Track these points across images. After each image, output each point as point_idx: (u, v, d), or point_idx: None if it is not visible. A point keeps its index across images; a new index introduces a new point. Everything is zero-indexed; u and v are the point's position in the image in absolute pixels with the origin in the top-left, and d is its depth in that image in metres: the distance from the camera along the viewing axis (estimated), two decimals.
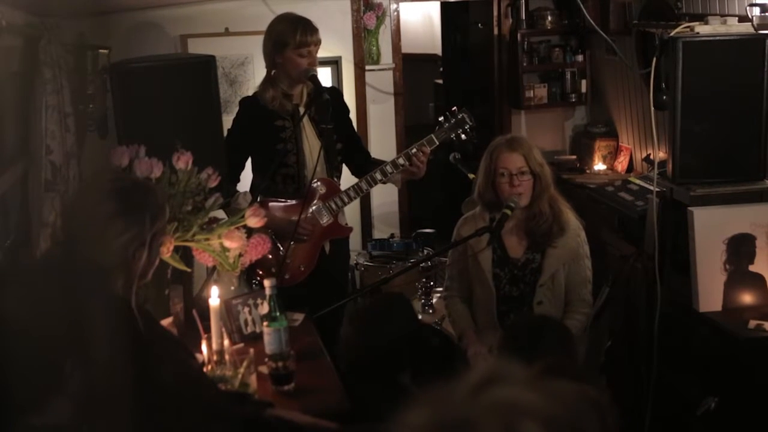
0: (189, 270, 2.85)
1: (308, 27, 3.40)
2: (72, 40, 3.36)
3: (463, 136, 3.52)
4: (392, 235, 4.83)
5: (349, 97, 5.00)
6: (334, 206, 3.47)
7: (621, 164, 5.12)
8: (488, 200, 3.21)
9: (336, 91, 3.80)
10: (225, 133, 3.43)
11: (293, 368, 2.50)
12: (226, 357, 2.53)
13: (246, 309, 2.91)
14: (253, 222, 2.78)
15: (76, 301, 1.51)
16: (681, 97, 3.10)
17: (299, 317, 3.07)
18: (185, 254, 2.75)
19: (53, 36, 2.76)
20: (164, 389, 1.80)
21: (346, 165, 3.66)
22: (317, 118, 3.49)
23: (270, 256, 3.28)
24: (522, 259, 3.21)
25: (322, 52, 3.63)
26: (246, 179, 3.62)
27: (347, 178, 3.64)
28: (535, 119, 5.63)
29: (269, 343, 2.56)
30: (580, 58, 5.44)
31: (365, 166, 3.57)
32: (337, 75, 5.04)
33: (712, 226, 3.05)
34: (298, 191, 3.47)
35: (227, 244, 2.71)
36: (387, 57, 5.16)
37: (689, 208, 3.08)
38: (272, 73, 3.49)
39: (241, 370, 2.45)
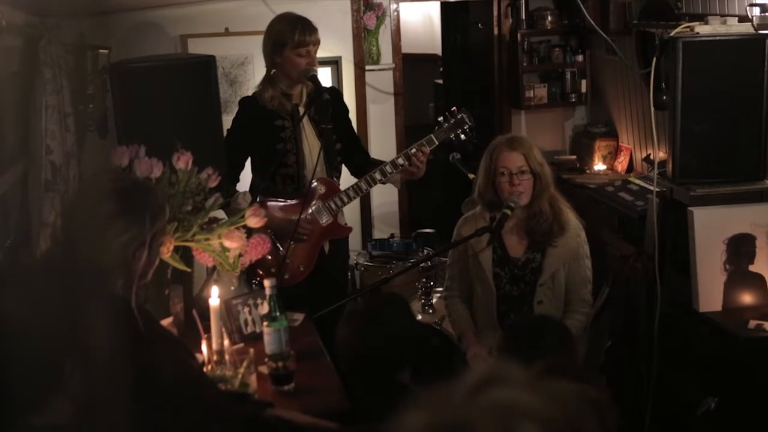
0: (189, 270, 2.85)
1: (307, 27, 3.40)
2: (72, 40, 3.36)
3: (462, 136, 3.52)
4: (392, 235, 4.82)
5: (349, 97, 5.00)
6: (333, 206, 3.47)
7: (621, 164, 5.12)
8: (488, 200, 3.21)
9: (336, 91, 3.80)
10: (225, 133, 3.43)
11: (293, 368, 2.50)
12: (226, 357, 2.53)
13: (246, 309, 2.91)
14: (253, 222, 2.78)
15: (76, 301, 1.51)
16: (681, 97, 3.10)
17: (299, 317, 3.07)
18: (185, 254, 2.75)
19: (53, 36, 2.76)
20: (164, 389, 1.80)
21: (346, 165, 3.66)
22: (317, 118, 3.49)
23: (270, 257, 3.28)
24: (522, 258, 3.21)
25: (322, 52, 3.63)
26: (246, 179, 3.62)
27: (347, 178, 3.64)
28: (535, 119, 5.63)
29: (269, 343, 2.56)
30: (580, 58, 5.44)
31: (365, 166, 3.57)
32: (337, 75, 5.04)
33: (712, 226, 3.05)
34: (298, 191, 3.47)
35: (227, 244, 2.71)
36: (387, 57, 5.16)
37: (689, 208, 3.08)
38: (272, 72, 3.49)
39: (241, 370, 2.45)
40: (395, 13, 5.16)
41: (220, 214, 2.96)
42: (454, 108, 3.56)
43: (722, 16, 3.38)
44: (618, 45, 4.14)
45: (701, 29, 3.14)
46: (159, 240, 1.96)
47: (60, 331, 1.43)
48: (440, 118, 3.56)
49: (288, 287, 3.27)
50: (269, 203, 3.40)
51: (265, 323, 2.59)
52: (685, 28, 3.19)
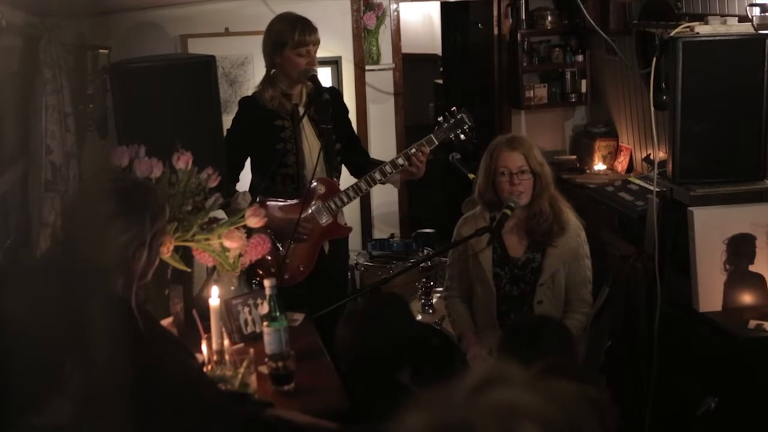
0: (189, 270, 2.85)
1: (307, 26, 3.40)
2: (72, 40, 3.36)
3: (462, 136, 3.52)
4: (392, 235, 4.82)
5: (349, 97, 5.00)
6: (333, 206, 3.47)
7: (621, 164, 5.12)
8: (488, 200, 3.21)
9: (335, 92, 3.80)
10: (225, 133, 3.43)
11: (293, 368, 2.50)
12: (226, 357, 2.53)
13: (246, 309, 2.91)
14: (253, 222, 2.78)
15: (76, 301, 1.51)
16: (681, 97, 3.10)
17: (299, 317, 3.07)
18: (185, 254, 2.75)
19: (53, 36, 2.76)
20: (164, 389, 1.80)
21: (345, 166, 3.66)
22: (317, 118, 3.49)
23: (269, 257, 3.28)
24: (522, 258, 3.21)
25: (322, 52, 3.63)
26: (245, 179, 3.62)
27: (346, 178, 3.64)
28: (535, 119, 5.63)
29: (269, 343, 2.56)
30: (580, 58, 5.44)
31: (364, 166, 3.57)
32: (337, 75, 5.04)
33: (712, 226, 3.05)
34: (298, 191, 3.47)
35: (227, 244, 2.71)
36: (387, 57, 5.16)
37: (689, 208, 3.08)
38: (271, 72, 3.49)
39: (241, 370, 2.45)
40: (395, 13, 5.16)
41: (220, 214, 2.96)
42: (454, 108, 3.56)
43: (722, 16, 3.38)
44: (618, 45, 4.14)
45: (701, 29, 3.14)
46: (159, 240, 1.96)
47: (60, 331, 1.43)
48: (440, 118, 3.56)
49: (288, 287, 3.27)
50: (269, 203, 3.40)
51: (265, 323, 2.59)
52: (685, 28, 3.19)
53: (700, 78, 3.09)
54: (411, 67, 6.08)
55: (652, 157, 4.26)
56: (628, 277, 3.68)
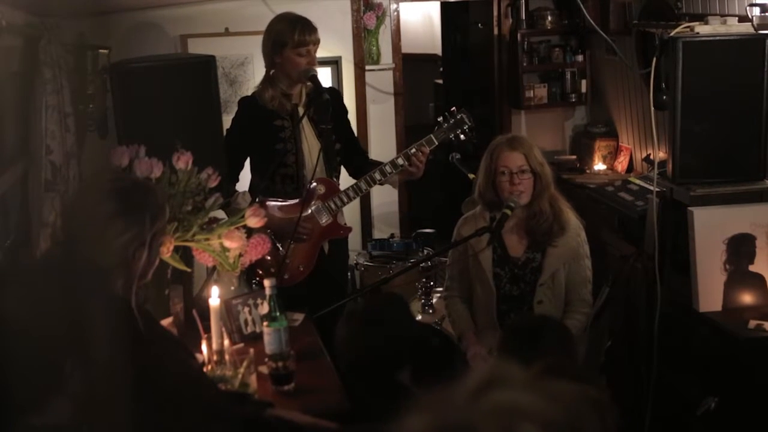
0: (189, 270, 2.85)
1: (307, 26, 3.40)
2: (72, 40, 3.36)
3: (462, 136, 3.52)
4: (392, 235, 4.82)
5: (349, 97, 5.00)
6: (333, 206, 3.47)
7: (621, 164, 5.12)
8: (489, 199, 3.21)
9: (335, 92, 3.80)
10: (225, 133, 3.43)
11: (293, 368, 2.50)
12: (226, 357, 2.53)
13: (246, 309, 2.91)
14: (253, 222, 2.78)
15: (76, 301, 1.51)
16: (681, 97, 3.10)
17: (299, 317, 3.07)
18: (185, 254, 2.75)
19: (53, 36, 2.76)
20: (164, 389, 1.80)
21: (344, 167, 3.65)
22: (316, 119, 3.49)
23: (269, 257, 3.28)
24: (522, 258, 3.21)
25: (322, 52, 3.63)
26: (245, 179, 3.62)
27: (346, 178, 3.64)
28: (535, 119, 5.63)
29: (269, 343, 2.56)
30: (580, 58, 5.44)
31: (363, 167, 3.57)
32: (337, 75, 5.04)
33: (712, 226, 3.05)
34: (297, 191, 3.47)
35: (227, 244, 2.71)
36: (387, 57, 5.16)
37: (689, 208, 3.08)
38: (271, 72, 3.49)
39: (241, 370, 2.45)
40: (395, 13, 5.16)
41: (220, 214, 2.96)
42: (454, 108, 3.56)
43: (722, 16, 3.38)
44: (618, 45, 4.14)
45: (701, 29, 3.14)
46: (159, 240, 1.96)
47: (60, 331, 1.43)
48: (440, 118, 3.55)
49: (288, 287, 3.27)
50: (269, 203, 3.39)
51: (265, 323, 2.59)
52: (685, 28, 3.19)
53: (700, 78, 3.09)
54: (411, 67, 6.08)
55: (652, 157, 4.26)
56: (628, 277, 3.68)
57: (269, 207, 3.37)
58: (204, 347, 2.56)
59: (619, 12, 4.61)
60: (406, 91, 5.38)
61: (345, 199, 3.47)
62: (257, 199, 3.30)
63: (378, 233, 5.16)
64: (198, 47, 4.63)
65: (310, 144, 3.49)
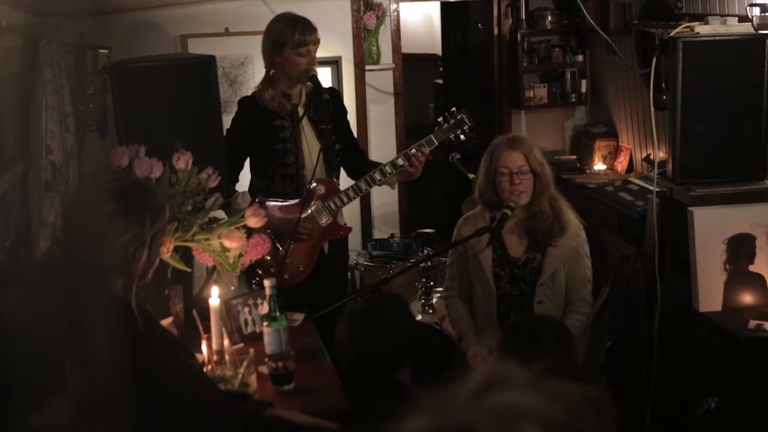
0: (189, 270, 2.85)
1: (307, 26, 3.40)
2: (72, 40, 3.36)
3: (462, 136, 3.52)
4: (392, 235, 4.82)
5: (349, 97, 5.00)
6: (333, 206, 3.46)
7: (621, 164, 5.12)
8: (489, 199, 3.21)
9: (335, 92, 3.79)
10: (224, 133, 3.43)
11: (293, 368, 2.50)
12: (226, 357, 2.53)
13: (246, 309, 2.91)
14: (253, 222, 2.78)
15: (76, 301, 1.51)
16: (681, 97, 3.10)
17: (299, 317, 3.07)
18: (185, 254, 2.75)
19: (53, 36, 2.77)
20: (164, 389, 1.80)
21: (343, 167, 3.65)
22: (316, 119, 3.48)
23: (269, 257, 3.28)
24: (522, 258, 3.21)
25: (322, 52, 3.62)
26: (245, 179, 3.62)
27: (346, 178, 3.64)
28: (535, 119, 5.63)
29: (269, 343, 2.56)
30: (580, 58, 5.44)
31: (362, 168, 3.57)
32: (337, 75, 5.04)
33: (712, 226, 3.05)
34: (297, 191, 3.47)
35: (227, 244, 2.71)
36: (387, 57, 5.16)
37: (689, 208, 3.08)
38: (271, 73, 3.48)
39: (241, 370, 2.45)
40: (395, 13, 5.16)
41: (220, 214, 2.96)
42: (454, 108, 3.56)
43: (722, 16, 3.38)
44: (618, 45, 4.14)
45: (701, 29, 3.14)
46: (159, 240, 1.96)
47: (60, 331, 1.43)
48: (440, 119, 3.55)
49: (288, 287, 3.27)
50: (269, 203, 3.39)
51: (265, 323, 2.59)
52: (685, 28, 3.19)
53: (700, 78, 3.09)
54: (411, 67, 6.07)
55: (652, 157, 4.26)
56: (628, 277, 3.68)
57: (269, 207, 3.36)
58: (204, 347, 2.56)
59: (619, 12, 4.61)
60: (406, 91, 5.38)
61: (345, 200, 3.47)
62: (257, 199, 3.30)
63: (378, 233, 5.16)
64: (198, 47, 4.63)
65: (310, 144, 3.49)
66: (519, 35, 5.37)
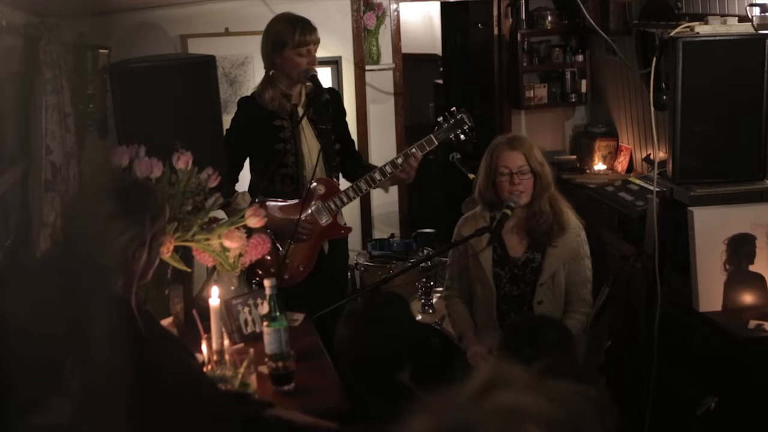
0: (189, 270, 2.85)
1: (307, 26, 3.40)
2: (72, 40, 3.36)
3: (462, 136, 3.52)
4: (392, 235, 4.82)
5: (349, 97, 5.00)
6: (333, 206, 3.46)
7: (621, 164, 5.12)
8: (488, 199, 3.21)
9: (335, 93, 3.79)
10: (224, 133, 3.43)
11: (293, 368, 2.50)
12: (226, 357, 2.53)
13: (246, 309, 2.91)
14: (253, 222, 2.78)
15: (76, 301, 1.51)
16: (681, 97, 3.10)
17: (299, 317, 3.07)
18: (185, 254, 2.75)
19: (53, 36, 2.76)
20: (164, 389, 1.80)
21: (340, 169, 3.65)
22: (316, 119, 3.48)
23: (269, 257, 3.28)
24: (522, 258, 3.21)
25: (322, 52, 3.62)
26: (245, 179, 3.61)
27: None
28: (535, 119, 5.63)
29: (269, 343, 2.56)
30: (580, 58, 5.44)
31: (357, 170, 3.58)
32: (337, 75, 5.04)
33: (712, 226, 3.05)
34: (297, 191, 3.47)
35: (227, 244, 2.71)
36: (387, 57, 5.16)
37: (689, 208, 3.08)
38: (270, 73, 3.48)
39: (241, 370, 2.45)
40: (395, 13, 5.16)
41: (220, 214, 2.96)
42: (454, 108, 3.56)
43: (722, 16, 3.38)
44: (618, 45, 4.14)
45: (701, 29, 3.14)
46: (159, 240, 1.96)
47: (60, 331, 1.43)
48: (440, 118, 3.55)
49: (288, 287, 3.27)
50: (268, 203, 3.39)
51: (265, 323, 2.59)
52: (685, 28, 3.19)
53: (700, 78, 3.09)
54: (411, 67, 6.07)
55: (652, 157, 4.26)
56: (628, 277, 3.68)
57: (269, 207, 3.36)
58: (204, 347, 2.56)
59: (619, 12, 4.61)
60: (406, 91, 5.38)
61: (345, 199, 3.47)
62: (257, 200, 3.30)
63: (378, 233, 5.15)
64: (198, 47, 4.63)
65: (310, 144, 3.49)
66: (519, 35, 5.37)
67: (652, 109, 3.33)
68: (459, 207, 3.78)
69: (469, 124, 3.52)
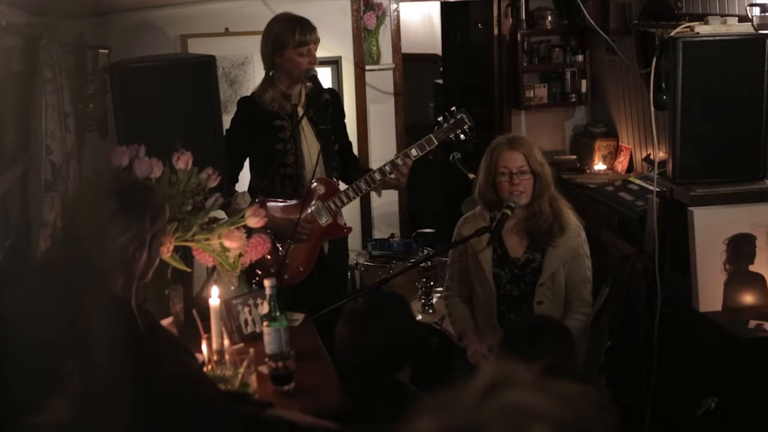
0: (189, 270, 2.85)
1: (306, 26, 3.40)
2: (72, 40, 3.36)
3: (462, 136, 3.52)
4: (392, 235, 4.82)
5: (349, 97, 5.00)
6: (333, 206, 3.46)
7: (621, 164, 5.12)
8: (488, 199, 3.21)
9: (334, 94, 3.79)
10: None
11: (293, 368, 2.50)
12: (226, 357, 2.53)
13: (246, 309, 2.91)
14: (253, 222, 2.78)
15: (76, 301, 1.51)
16: (681, 97, 3.10)
17: (299, 317, 3.07)
18: (185, 254, 2.75)
19: (53, 36, 2.76)
20: (164, 389, 1.80)
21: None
22: (315, 119, 3.48)
23: (269, 256, 3.28)
24: (522, 258, 3.21)
25: (322, 52, 3.62)
26: (245, 179, 3.61)
27: None
28: (535, 119, 5.62)
29: (269, 343, 2.56)
30: (580, 58, 5.44)
31: (353, 172, 3.58)
32: (337, 75, 5.04)
33: (712, 226, 3.05)
34: (297, 191, 3.47)
35: (227, 244, 2.71)
36: (387, 57, 5.16)
37: (689, 208, 3.08)
38: (270, 74, 3.48)
39: (241, 370, 2.45)
40: (395, 13, 5.16)
41: (220, 214, 2.96)
42: (454, 108, 3.56)
43: (722, 16, 3.38)
44: (618, 45, 4.14)
45: (701, 29, 3.14)
46: (159, 240, 1.96)
47: (60, 331, 1.43)
48: (440, 118, 3.55)
49: (288, 287, 3.27)
50: (268, 203, 3.39)
51: (265, 323, 2.59)
52: (685, 28, 3.19)
53: (700, 78, 3.09)
54: (411, 67, 6.07)
55: (652, 157, 4.25)
56: (628, 277, 3.68)
57: (269, 207, 3.36)
58: (204, 347, 2.56)
59: (619, 12, 4.61)
60: (406, 91, 5.38)
61: (345, 200, 3.47)
62: (257, 200, 3.30)
63: (378, 233, 5.15)
64: (198, 47, 4.63)
65: (310, 144, 3.49)
66: (519, 35, 5.37)
67: (652, 109, 3.33)
68: (459, 207, 3.78)
69: (469, 124, 3.52)
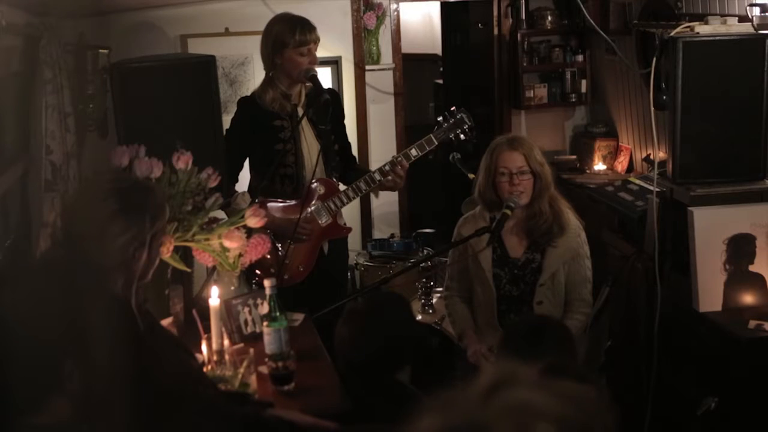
0: (189, 270, 2.85)
1: (306, 25, 3.40)
2: (72, 40, 3.36)
3: (462, 136, 3.52)
4: (392, 235, 4.82)
5: (349, 97, 5.00)
6: (333, 206, 3.46)
7: (621, 164, 5.13)
8: (488, 199, 3.21)
9: (334, 94, 3.78)
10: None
11: (293, 368, 2.50)
12: (226, 357, 2.53)
13: (246, 309, 2.91)
14: (253, 222, 2.78)
15: (76, 301, 1.51)
16: (681, 97, 3.10)
17: (299, 317, 3.07)
18: (185, 254, 2.75)
19: (53, 36, 2.76)
20: (164, 389, 1.80)
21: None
22: (315, 119, 3.48)
23: (269, 256, 3.28)
24: (522, 258, 3.21)
25: (322, 52, 3.62)
26: (245, 179, 3.61)
27: None
28: (535, 119, 5.62)
29: (269, 343, 2.56)
30: (580, 58, 5.44)
31: (350, 173, 3.58)
32: (337, 75, 5.04)
33: (712, 226, 3.05)
34: (297, 191, 3.47)
35: (227, 244, 2.71)
36: (387, 57, 5.16)
37: (689, 208, 3.09)
38: (270, 74, 3.48)
39: (241, 370, 2.45)
40: (395, 13, 5.16)
41: (220, 214, 2.96)
42: (454, 108, 3.56)
43: (722, 16, 3.38)
44: (618, 45, 4.14)
45: (701, 29, 3.14)
46: (159, 240, 1.96)
47: (60, 331, 1.43)
48: (440, 118, 3.55)
49: (288, 287, 3.27)
50: (268, 204, 3.39)
51: (265, 323, 2.59)
52: (685, 28, 3.19)
53: (700, 78, 3.09)
54: (411, 67, 6.07)
55: (652, 157, 4.25)
56: (628, 277, 3.68)
57: (269, 207, 3.36)
58: (204, 347, 2.56)
59: (619, 12, 4.61)
60: (406, 91, 5.38)
61: (345, 200, 3.47)
62: (257, 200, 3.30)
63: (378, 233, 5.15)
64: (198, 47, 4.63)
65: (310, 144, 3.49)
66: (519, 35, 5.37)
67: (652, 109, 3.33)
68: (459, 207, 3.78)
69: (469, 123, 3.52)
